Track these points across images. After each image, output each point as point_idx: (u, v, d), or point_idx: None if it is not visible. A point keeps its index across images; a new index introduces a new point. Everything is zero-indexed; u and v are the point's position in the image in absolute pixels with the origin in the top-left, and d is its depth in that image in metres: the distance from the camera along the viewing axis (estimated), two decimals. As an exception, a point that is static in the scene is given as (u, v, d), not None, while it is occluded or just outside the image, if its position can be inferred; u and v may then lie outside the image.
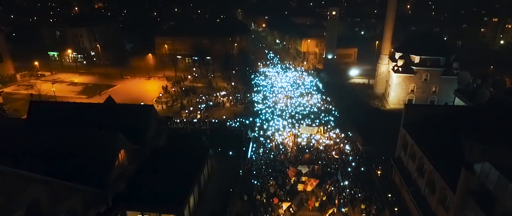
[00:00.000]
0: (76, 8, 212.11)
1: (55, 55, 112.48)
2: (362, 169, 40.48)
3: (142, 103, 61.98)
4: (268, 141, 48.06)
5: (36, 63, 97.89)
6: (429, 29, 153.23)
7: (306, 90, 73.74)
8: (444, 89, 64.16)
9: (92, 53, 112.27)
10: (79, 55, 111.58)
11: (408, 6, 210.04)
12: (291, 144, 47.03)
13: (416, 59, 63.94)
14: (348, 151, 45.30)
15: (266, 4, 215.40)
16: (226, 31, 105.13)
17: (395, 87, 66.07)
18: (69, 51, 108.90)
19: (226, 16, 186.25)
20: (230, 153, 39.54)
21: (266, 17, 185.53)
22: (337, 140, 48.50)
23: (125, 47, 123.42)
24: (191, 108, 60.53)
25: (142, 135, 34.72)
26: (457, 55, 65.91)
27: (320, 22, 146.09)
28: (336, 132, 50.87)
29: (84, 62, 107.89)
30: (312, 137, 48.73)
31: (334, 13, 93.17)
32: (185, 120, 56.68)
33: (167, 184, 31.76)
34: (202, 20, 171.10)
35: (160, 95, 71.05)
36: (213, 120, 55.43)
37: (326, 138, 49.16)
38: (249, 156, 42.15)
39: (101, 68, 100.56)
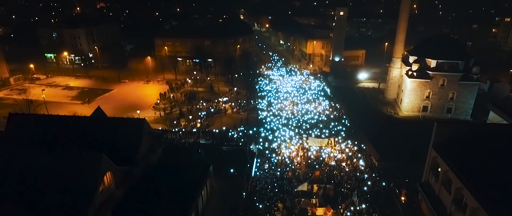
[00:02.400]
0: (78, 8, 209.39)
1: (52, 57, 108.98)
2: (379, 189, 36.16)
3: (138, 111, 58.35)
4: (274, 155, 43.81)
5: (31, 65, 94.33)
6: (437, 29, 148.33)
7: (313, 95, 69.40)
8: (462, 96, 59.66)
9: (90, 55, 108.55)
10: (77, 57, 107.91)
11: (415, 6, 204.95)
12: (299, 159, 42.79)
13: (432, 63, 59.41)
14: (362, 167, 40.97)
15: (269, 4, 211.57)
16: (228, 32, 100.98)
17: (409, 93, 61.60)
18: (65, 53, 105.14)
19: (229, 16, 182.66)
20: (232, 170, 35.35)
21: (270, 17, 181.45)
22: (350, 154, 44.18)
23: (125, 47, 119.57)
24: (190, 117, 56.33)
25: (132, 154, 30.71)
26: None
27: (326, 23, 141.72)
28: (348, 144, 46.55)
29: (82, 64, 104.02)
30: (321, 151, 44.43)
31: (341, 13, 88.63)
32: (183, 129, 52.60)
33: (160, 210, 27.76)
34: (204, 20, 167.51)
35: (158, 101, 66.91)
36: (214, 130, 51.26)
37: (337, 151, 44.87)
38: (253, 174, 37.92)
39: (99, 71, 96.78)
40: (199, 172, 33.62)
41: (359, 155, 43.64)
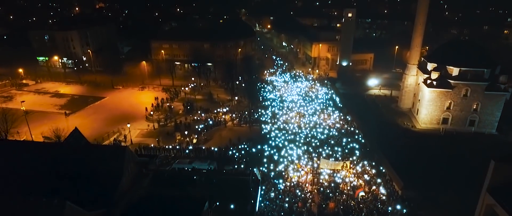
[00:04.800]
0: (77, 9, 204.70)
1: (44, 61, 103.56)
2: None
3: (128, 124, 52.75)
4: (281, 180, 38.17)
5: (20, 70, 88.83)
6: (446, 31, 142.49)
7: (321, 105, 63.68)
8: (487, 107, 53.97)
9: (84, 59, 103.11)
10: (69, 61, 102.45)
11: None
12: (309, 185, 37.21)
13: (454, 71, 53.76)
14: (383, 196, 35.32)
15: (270, 4, 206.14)
16: (229, 35, 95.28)
17: (428, 103, 55.93)
18: (56, 57, 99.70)
19: (230, 16, 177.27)
20: (232, 207, 29.76)
21: (271, 18, 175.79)
22: (367, 178, 38.53)
23: (122, 49, 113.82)
24: (186, 132, 50.68)
25: (111, 192, 25.13)
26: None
27: (331, 24, 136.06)
28: (364, 166, 40.85)
29: (75, 68, 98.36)
30: (335, 175, 38.78)
31: (350, 15, 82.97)
32: (178, 146, 47.07)
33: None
34: (204, 20, 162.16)
35: (151, 113, 61.24)
36: (212, 149, 45.73)
37: (353, 175, 39.25)
38: (257, 208, 32.28)
39: (92, 75, 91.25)
40: (193, 209, 28.02)
41: (379, 180, 37.94)
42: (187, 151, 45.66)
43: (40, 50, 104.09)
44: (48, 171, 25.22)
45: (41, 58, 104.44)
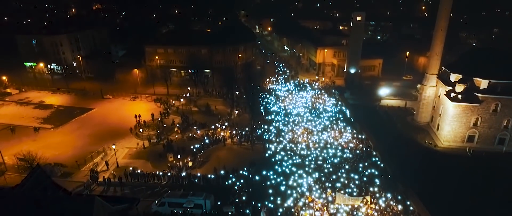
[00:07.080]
0: (73, 10, 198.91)
1: (32, 66, 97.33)
2: None
3: (113, 145, 46.42)
4: (291, 220, 32.00)
5: (4, 77, 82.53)
6: (454, 34, 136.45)
7: (330, 119, 57.35)
8: (520, 124, 47.94)
9: (74, 64, 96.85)
10: (58, 67, 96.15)
11: (423, 8, 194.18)
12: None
13: (483, 83, 47.73)
14: (416, 243, 29.19)
15: (270, 5, 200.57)
16: (228, 39, 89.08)
17: (452, 119, 49.79)
18: (41, 64, 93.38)
19: (229, 18, 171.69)
20: None
21: (272, 20, 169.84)
22: (393, 217, 32.36)
23: (117, 53, 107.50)
24: (179, 156, 44.36)
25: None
26: None
27: (335, 28, 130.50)
28: (388, 200, 34.60)
29: (64, 75, 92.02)
30: (355, 214, 32.56)
31: (359, 18, 76.87)
32: (169, 173, 40.90)
33: None
34: (203, 22, 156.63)
35: (141, 130, 54.79)
36: (209, 176, 39.57)
37: (375, 212, 33.04)
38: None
39: (82, 82, 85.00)
40: None
41: (406, 218, 31.75)
42: (181, 180, 39.61)
43: (27, 55, 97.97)
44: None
45: (28, 64, 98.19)
